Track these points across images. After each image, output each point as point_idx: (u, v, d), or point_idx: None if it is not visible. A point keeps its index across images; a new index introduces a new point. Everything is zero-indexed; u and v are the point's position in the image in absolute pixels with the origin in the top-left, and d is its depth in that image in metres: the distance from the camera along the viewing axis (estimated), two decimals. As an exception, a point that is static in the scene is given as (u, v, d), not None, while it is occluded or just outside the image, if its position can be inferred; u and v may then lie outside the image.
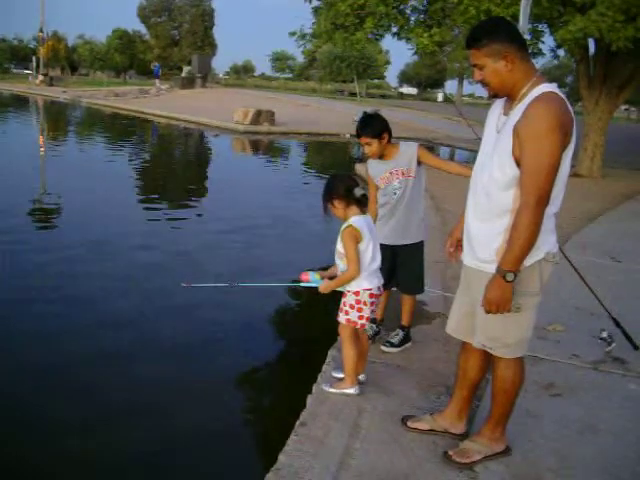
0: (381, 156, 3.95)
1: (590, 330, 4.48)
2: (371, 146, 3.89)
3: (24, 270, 6.15)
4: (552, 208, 2.54)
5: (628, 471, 2.88)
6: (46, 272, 6.08)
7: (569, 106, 2.44)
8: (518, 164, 2.45)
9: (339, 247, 3.34)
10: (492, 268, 2.54)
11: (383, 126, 3.88)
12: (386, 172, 3.97)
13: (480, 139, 2.76)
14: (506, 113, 2.58)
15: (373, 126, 3.88)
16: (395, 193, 3.98)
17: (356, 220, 3.27)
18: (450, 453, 2.88)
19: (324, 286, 3.39)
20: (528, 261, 2.52)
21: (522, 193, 2.44)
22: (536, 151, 2.38)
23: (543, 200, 2.41)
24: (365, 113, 3.98)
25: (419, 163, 3.96)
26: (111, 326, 4.91)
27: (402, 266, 4.05)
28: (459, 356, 3.03)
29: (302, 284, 3.48)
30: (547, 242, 2.58)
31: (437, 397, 3.47)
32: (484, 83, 2.57)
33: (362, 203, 3.33)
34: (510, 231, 2.47)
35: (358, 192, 3.28)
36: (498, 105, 2.69)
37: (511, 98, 2.56)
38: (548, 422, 3.26)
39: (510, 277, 2.46)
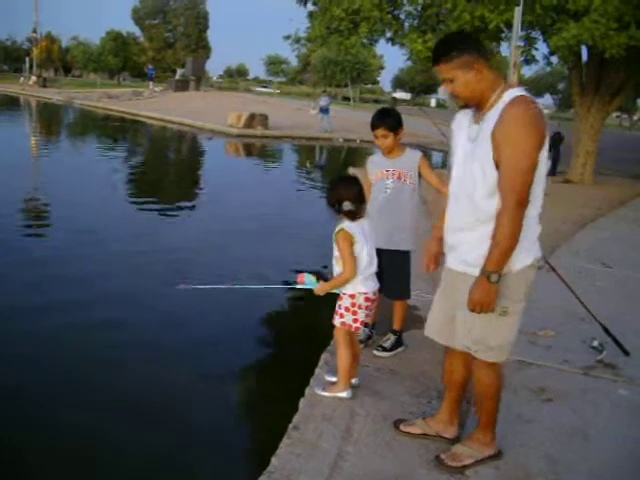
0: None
1: (581, 336, 4.50)
2: (386, 139, 3.85)
3: (9, 269, 6.13)
4: (533, 209, 2.56)
5: (618, 476, 2.90)
6: (37, 273, 6.07)
7: (541, 107, 2.50)
8: (498, 168, 2.49)
9: (336, 252, 3.35)
10: (478, 272, 2.56)
11: (400, 121, 3.86)
12: (384, 169, 3.96)
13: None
14: (477, 121, 2.60)
15: (392, 118, 3.84)
16: (386, 191, 3.96)
17: (348, 225, 3.30)
18: (442, 457, 2.89)
19: (319, 288, 3.40)
20: (517, 266, 2.56)
21: (502, 195, 2.48)
22: (513, 154, 2.42)
23: (523, 201, 2.45)
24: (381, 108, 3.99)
25: (419, 174, 3.95)
26: (104, 327, 4.89)
27: (386, 272, 3.87)
28: (444, 360, 3.06)
29: (298, 286, 3.49)
30: (534, 248, 2.62)
31: (429, 401, 3.49)
32: (454, 95, 2.60)
33: (352, 215, 3.30)
34: (493, 233, 2.50)
35: (346, 207, 3.27)
36: (464, 116, 2.72)
37: (479, 107, 2.59)
38: (539, 426, 3.28)
39: (494, 278, 2.48)
